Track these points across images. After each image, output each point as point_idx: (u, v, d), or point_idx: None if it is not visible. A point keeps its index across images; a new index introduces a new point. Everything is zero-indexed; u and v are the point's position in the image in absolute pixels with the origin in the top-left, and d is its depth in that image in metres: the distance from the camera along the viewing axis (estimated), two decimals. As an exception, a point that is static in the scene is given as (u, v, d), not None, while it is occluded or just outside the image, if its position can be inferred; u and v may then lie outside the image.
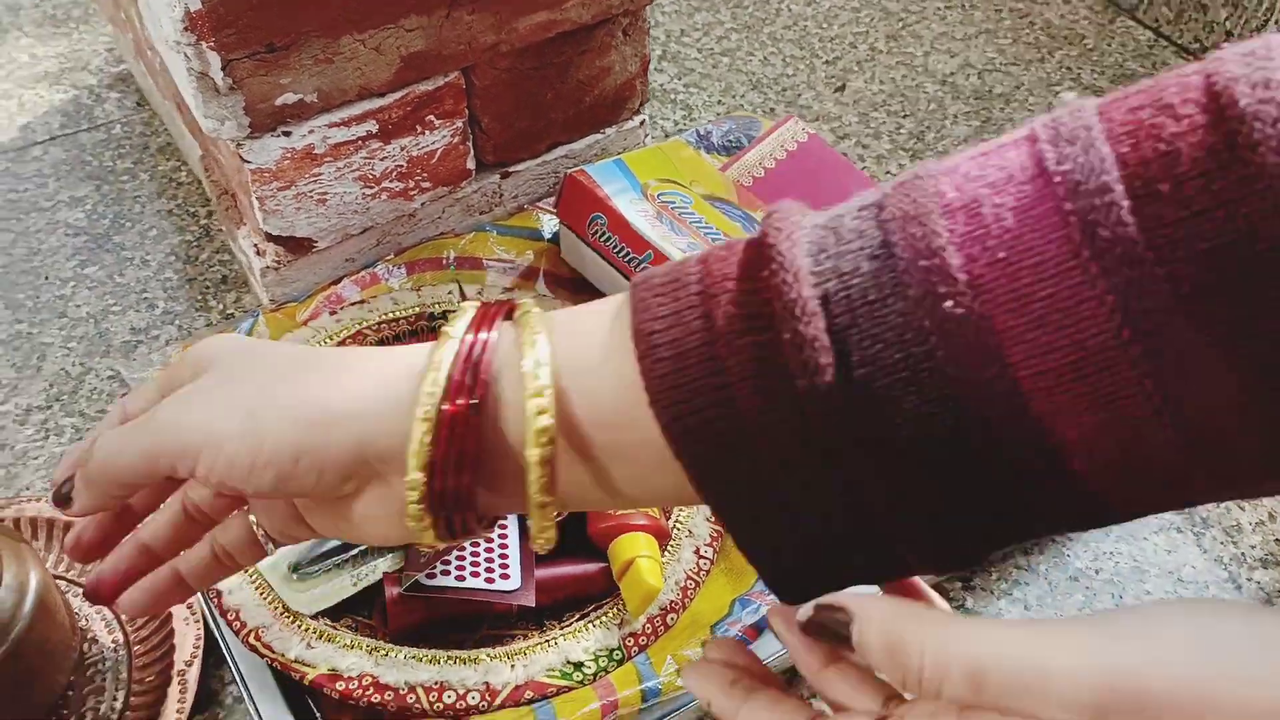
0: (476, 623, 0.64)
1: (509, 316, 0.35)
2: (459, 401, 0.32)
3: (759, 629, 0.62)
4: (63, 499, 0.40)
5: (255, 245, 0.77)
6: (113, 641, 0.67)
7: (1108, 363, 0.27)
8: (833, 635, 0.30)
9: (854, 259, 0.29)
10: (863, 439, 0.29)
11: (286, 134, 0.70)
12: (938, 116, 1.06)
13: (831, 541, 0.31)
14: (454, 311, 0.78)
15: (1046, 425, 0.28)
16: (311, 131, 0.71)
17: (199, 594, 0.64)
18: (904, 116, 1.06)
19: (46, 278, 0.89)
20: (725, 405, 0.30)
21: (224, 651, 0.62)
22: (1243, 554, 0.73)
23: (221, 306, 0.87)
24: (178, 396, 0.37)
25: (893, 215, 0.29)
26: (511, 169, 0.84)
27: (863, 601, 0.30)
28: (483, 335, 0.34)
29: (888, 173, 0.99)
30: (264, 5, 0.64)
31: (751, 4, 1.20)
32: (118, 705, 0.65)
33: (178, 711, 0.63)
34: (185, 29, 0.63)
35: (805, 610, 0.31)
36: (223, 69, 0.65)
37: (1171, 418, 0.27)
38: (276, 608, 0.60)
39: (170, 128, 0.99)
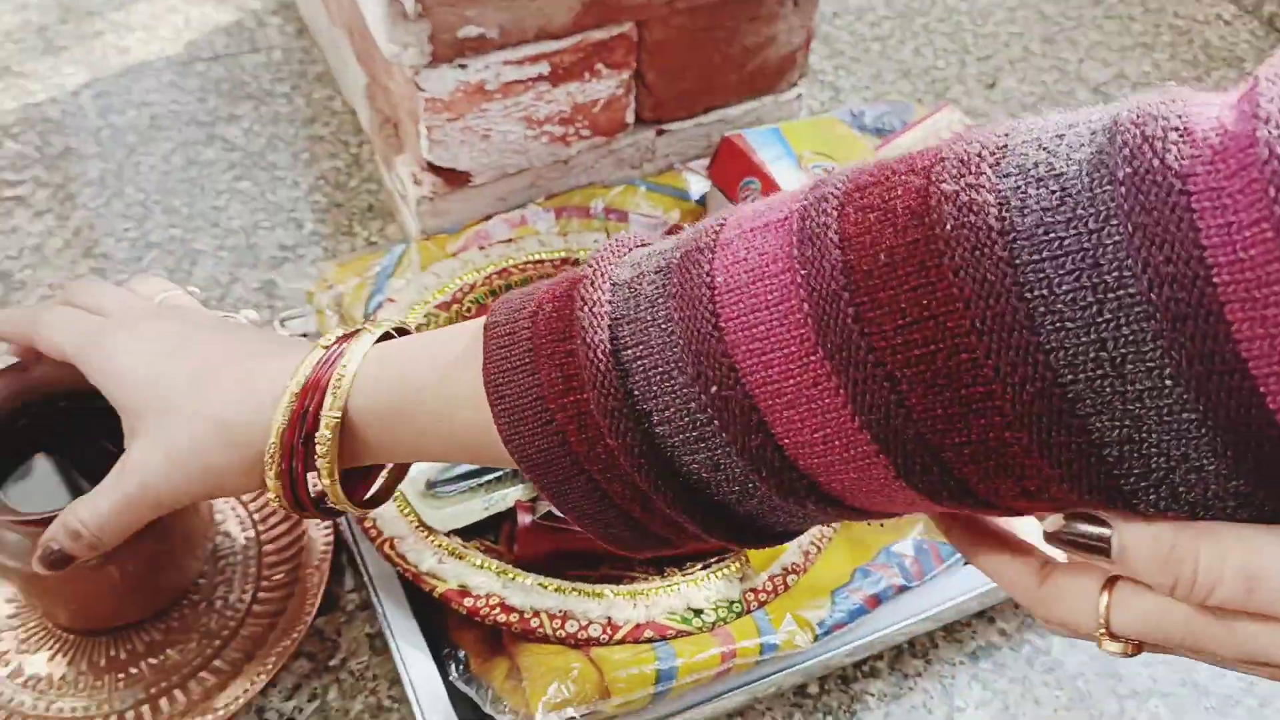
0: (597, 561, 0.65)
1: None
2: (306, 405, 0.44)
3: (879, 598, 0.62)
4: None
5: (413, 174, 0.79)
6: (245, 538, 0.70)
7: (849, 441, 0.31)
8: (1083, 545, 0.32)
9: (647, 330, 0.34)
10: (664, 479, 0.35)
11: (463, 66, 0.72)
12: (1087, 124, 1.05)
13: (652, 530, 0.38)
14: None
15: (814, 478, 0.33)
16: (487, 67, 0.72)
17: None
18: (1052, 121, 1.05)
19: (202, 188, 0.91)
20: (560, 446, 0.37)
21: (356, 558, 0.64)
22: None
23: (367, 234, 0.89)
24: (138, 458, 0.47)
25: (675, 292, 0.34)
26: (667, 127, 0.85)
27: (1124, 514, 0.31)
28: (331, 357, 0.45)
29: (1032, 174, 0.98)
30: (460, -64, 0.65)
31: (906, -6, 1.20)
32: (245, 599, 0.67)
33: (305, 612, 0.64)
34: (381, -48, 0.65)
35: (1053, 521, 0.32)
36: (414, -6, 0.66)
37: (912, 485, 0.31)
38: (413, 521, 0.62)
39: (330, 57, 1.01)
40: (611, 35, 0.76)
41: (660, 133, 0.85)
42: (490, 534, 0.65)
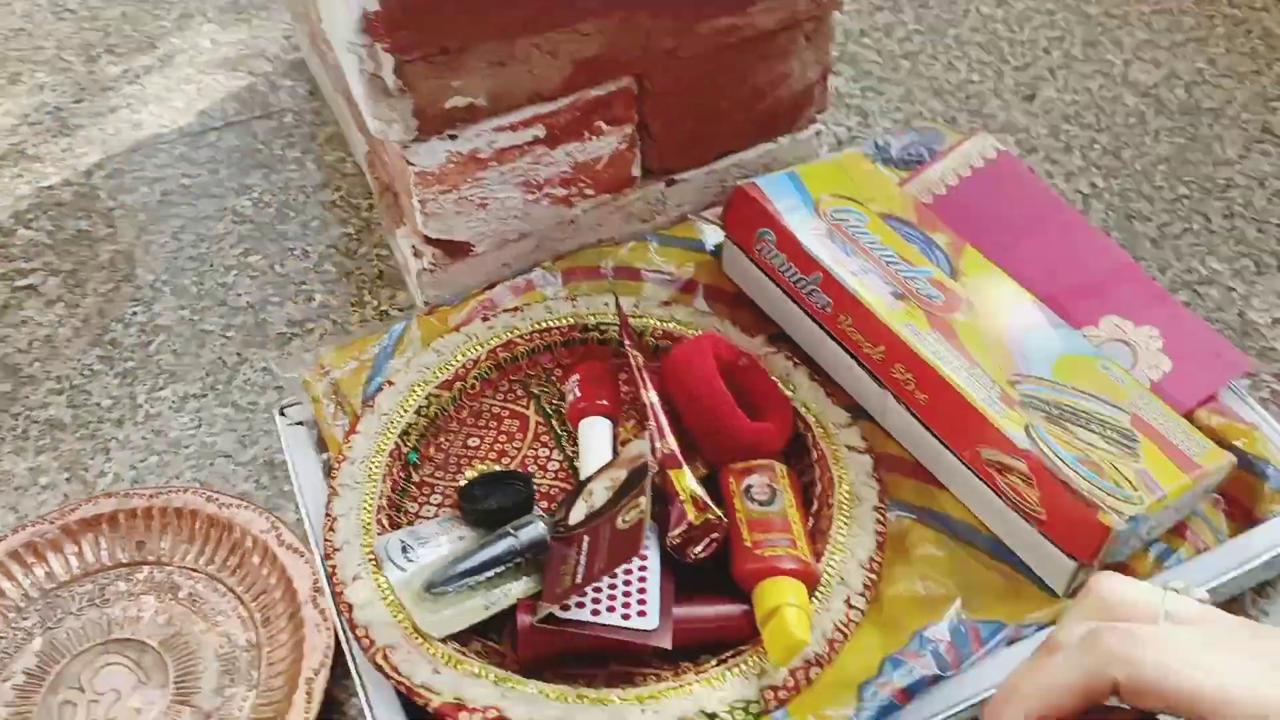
0: (605, 659, 0.61)
1: None
2: None
3: (910, 692, 0.58)
4: None
5: (413, 247, 0.76)
6: (246, 641, 0.67)
7: None
8: None
9: None
10: None
11: (453, 137, 0.69)
12: (1137, 131, 0.98)
13: None
14: (609, 323, 0.72)
15: None
16: (478, 135, 0.69)
17: (332, 603, 0.63)
18: (1099, 130, 0.99)
19: (211, 265, 0.90)
20: None
21: (351, 666, 0.61)
22: None
23: (376, 303, 0.86)
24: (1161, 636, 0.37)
25: None
26: (677, 177, 0.81)
27: None
28: None
29: (1078, 191, 0.93)
30: (441, 8, 0.62)
31: (937, 4, 1.14)
32: (246, 706, 0.64)
33: (304, 717, 0.62)
34: (361, 29, 0.62)
35: None
36: (394, 71, 0.63)
37: None
38: (406, 628, 0.59)
39: (339, 118, 0.99)
40: (609, 91, 0.72)
41: (670, 184, 0.81)
42: (493, 633, 0.62)
